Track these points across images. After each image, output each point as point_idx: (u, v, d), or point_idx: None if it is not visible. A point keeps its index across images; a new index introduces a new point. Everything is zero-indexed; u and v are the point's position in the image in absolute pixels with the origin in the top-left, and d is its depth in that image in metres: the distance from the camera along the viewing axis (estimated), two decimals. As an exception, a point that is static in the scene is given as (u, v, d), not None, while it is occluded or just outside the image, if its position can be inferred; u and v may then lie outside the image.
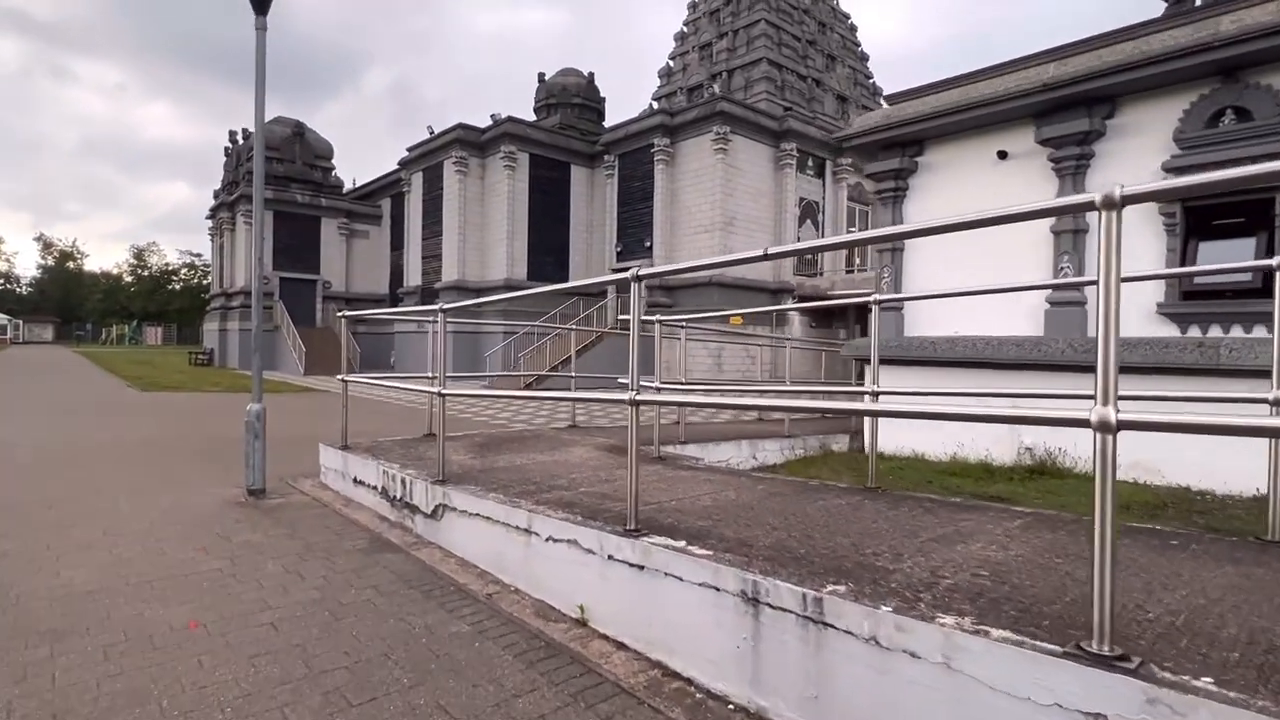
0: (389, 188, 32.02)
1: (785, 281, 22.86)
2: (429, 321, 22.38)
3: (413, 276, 27.47)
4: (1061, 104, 7.07)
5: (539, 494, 3.95)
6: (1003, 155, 7.69)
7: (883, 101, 8.75)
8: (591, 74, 29.68)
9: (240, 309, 29.53)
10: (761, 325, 22.31)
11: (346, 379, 5.95)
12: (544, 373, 19.75)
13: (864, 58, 29.34)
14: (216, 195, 34.79)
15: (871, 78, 29.27)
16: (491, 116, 24.51)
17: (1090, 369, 1.51)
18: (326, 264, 31.81)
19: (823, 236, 24.63)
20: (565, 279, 25.34)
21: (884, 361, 8.63)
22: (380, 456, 5.36)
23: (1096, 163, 7.10)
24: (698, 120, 21.82)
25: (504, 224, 24.01)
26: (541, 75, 29.76)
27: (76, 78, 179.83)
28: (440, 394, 4.51)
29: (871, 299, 4.35)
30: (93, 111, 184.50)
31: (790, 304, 22.80)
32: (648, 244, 23.19)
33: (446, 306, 4.51)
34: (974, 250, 7.53)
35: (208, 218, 36.16)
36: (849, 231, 25.45)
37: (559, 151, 25.28)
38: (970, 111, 7.68)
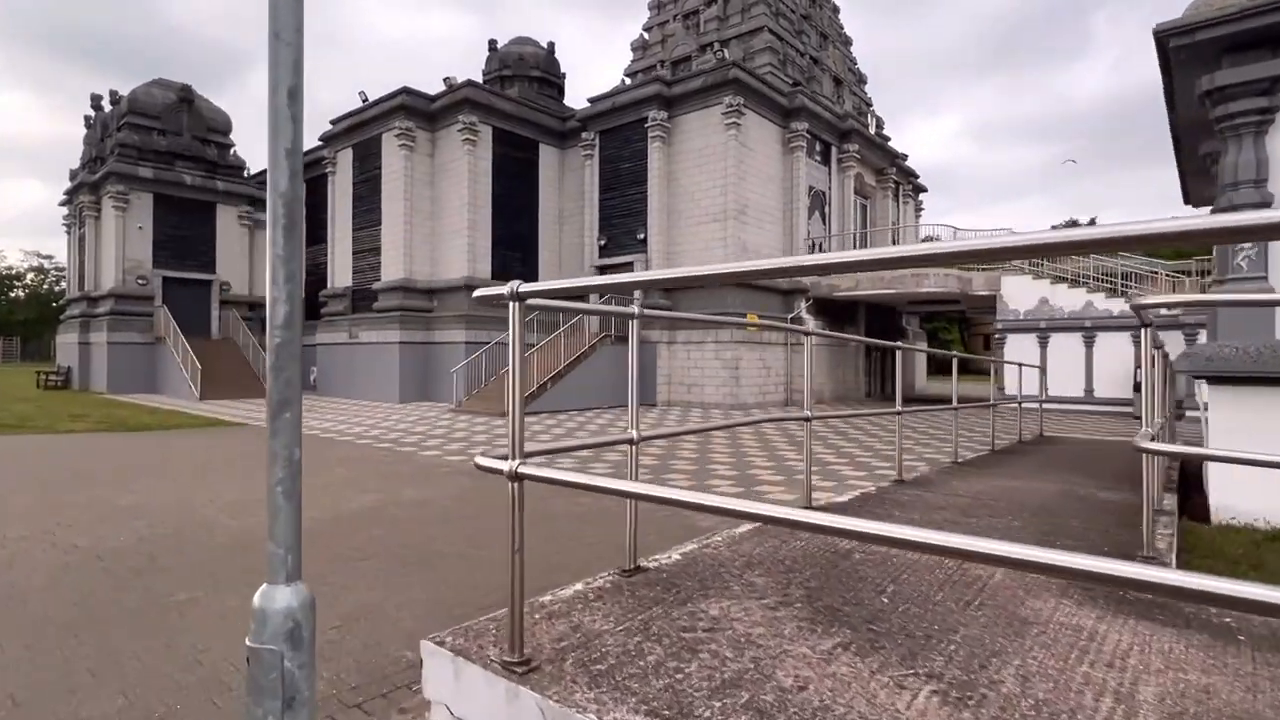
0: (305, 169, 26.66)
1: (798, 281, 19.91)
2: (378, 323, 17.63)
3: (341, 276, 22.48)
4: None
5: None
6: None
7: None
8: (552, 44, 25.82)
9: (109, 315, 23.35)
10: (774, 328, 19.22)
11: (521, 469, 2.07)
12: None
13: (847, 41, 27.10)
14: (74, 176, 27.93)
15: (857, 63, 27.07)
16: (445, 80, 20.17)
17: None
18: (224, 261, 26.07)
19: (829, 230, 21.93)
20: (534, 277, 21.29)
21: (1243, 380, 5.55)
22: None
23: None
24: (704, 90, 18.49)
25: (463, 211, 19.67)
26: (493, 43, 25.59)
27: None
28: None
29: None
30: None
31: (803, 307, 19.89)
32: (640, 236, 19.60)
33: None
34: None
35: (62, 203, 29.05)
36: (863, 229, 22.90)
37: (527, 127, 21.22)
38: None
